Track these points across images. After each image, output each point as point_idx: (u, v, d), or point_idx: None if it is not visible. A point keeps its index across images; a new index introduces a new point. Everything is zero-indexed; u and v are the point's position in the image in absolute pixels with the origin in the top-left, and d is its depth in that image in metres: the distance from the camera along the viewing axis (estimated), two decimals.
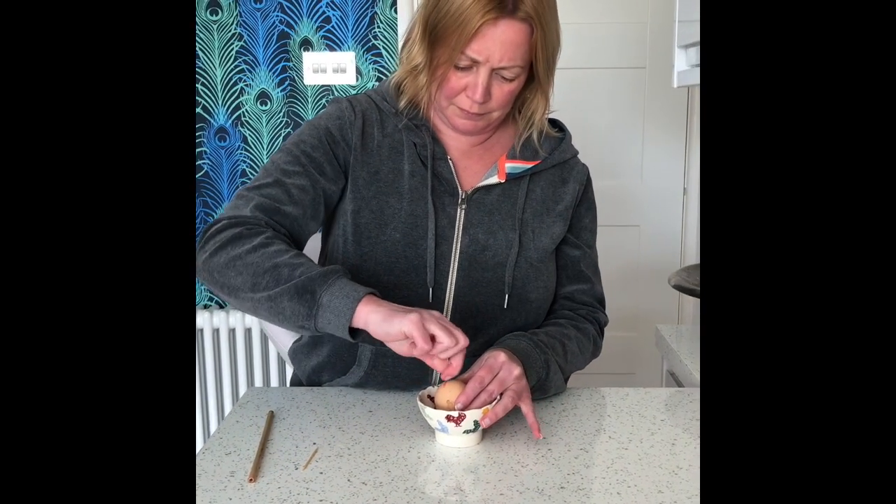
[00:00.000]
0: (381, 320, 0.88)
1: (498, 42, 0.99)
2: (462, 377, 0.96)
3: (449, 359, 0.90)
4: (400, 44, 2.22)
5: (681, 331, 1.50)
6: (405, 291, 1.06)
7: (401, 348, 0.89)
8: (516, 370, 0.95)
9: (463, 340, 0.89)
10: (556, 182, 1.16)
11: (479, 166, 1.14)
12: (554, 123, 1.19)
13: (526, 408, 0.94)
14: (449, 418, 0.90)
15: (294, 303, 0.92)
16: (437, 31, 1.00)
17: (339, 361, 1.13)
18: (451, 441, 0.93)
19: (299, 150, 1.09)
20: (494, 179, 1.11)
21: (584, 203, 1.19)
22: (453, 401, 0.91)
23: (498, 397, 0.93)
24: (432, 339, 0.87)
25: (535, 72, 1.06)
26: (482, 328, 1.09)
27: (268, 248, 0.96)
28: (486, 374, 0.94)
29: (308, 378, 1.19)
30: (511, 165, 1.11)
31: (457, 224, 1.10)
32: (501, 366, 0.95)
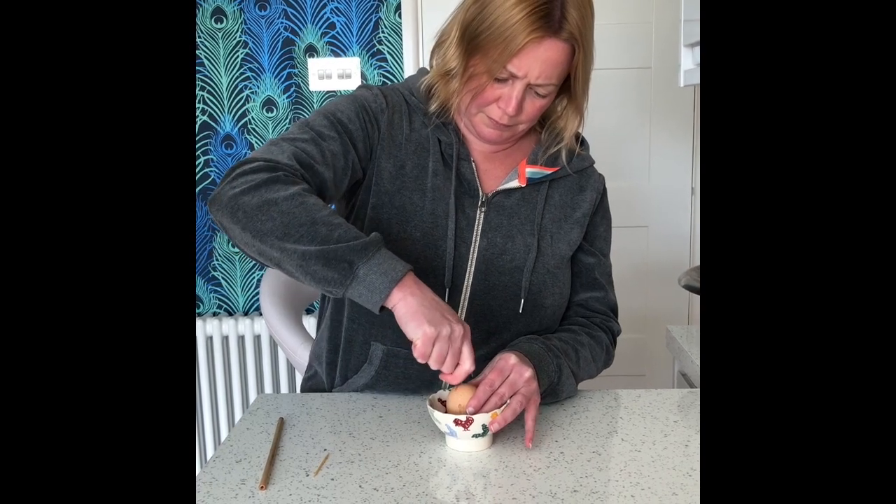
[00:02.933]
0: (404, 314, 0.88)
1: (539, 60, 0.98)
2: (473, 381, 0.95)
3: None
4: (404, 46, 2.23)
5: (691, 331, 1.49)
6: None
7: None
8: (527, 372, 0.94)
9: (460, 369, 0.90)
10: (575, 189, 1.16)
11: (500, 170, 1.14)
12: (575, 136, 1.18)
13: (529, 414, 0.93)
14: (457, 422, 0.90)
15: (327, 269, 0.88)
16: (477, 41, 0.99)
17: (353, 360, 1.13)
18: (461, 445, 0.92)
19: (336, 117, 1.06)
20: (515, 183, 1.11)
21: (600, 212, 1.19)
22: (464, 405, 0.91)
23: (508, 401, 0.92)
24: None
25: (573, 90, 1.06)
26: (496, 332, 1.09)
27: (306, 200, 0.92)
28: (497, 377, 0.93)
29: (327, 374, 1.18)
30: (531, 170, 1.11)
31: (475, 226, 1.09)
32: (512, 368, 0.94)
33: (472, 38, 1.00)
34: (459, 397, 0.92)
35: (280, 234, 0.90)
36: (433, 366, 0.88)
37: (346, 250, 0.88)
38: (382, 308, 0.89)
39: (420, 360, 0.88)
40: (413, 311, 0.87)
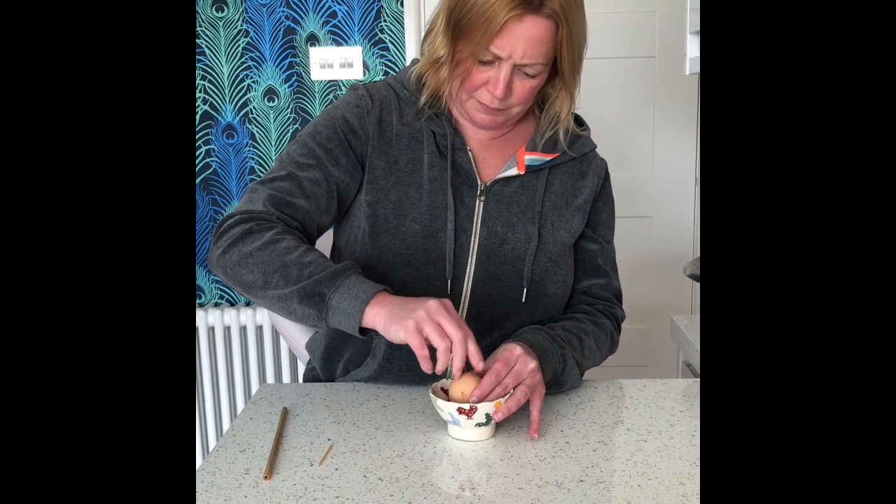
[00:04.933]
0: (383, 326, 0.89)
1: (522, 38, 0.97)
2: (477, 371, 0.94)
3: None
4: (407, 35, 2.21)
5: (695, 321, 1.48)
6: (423, 284, 1.05)
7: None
8: (531, 364, 0.94)
9: (458, 336, 0.86)
10: (575, 175, 1.14)
11: (498, 158, 1.13)
12: (576, 119, 1.17)
13: (533, 405, 0.93)
14: (461, 411, 0.89)
15: (304, 306, 0.92)
16: (461, 25, 0.99)
17: (354, 353, 1.12)
18: (463, 434, 0.91)
19: (314, 141, 1.07)
20: (514, 171, 1.10)
21: (602, 198, 1.17)
22: (467, 393, 0.90)
23: (512, 391, 0.91)
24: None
25: (560, 70, 1.05)
26: (499, 322, 1.08)
27: (277, 246, 0.96)
28: (502, 368, 0.93)
29: (323, 368, 1.18)
30: (530, 157, 1.10)
31: (475, 216, 1.09)
32: (517, 359, 0.94)
33: (457, 24, 0.99)
34: (462, 386, 0.91)
35: (260, 284, 0.95)
36: (439, 348, 0.86)
37: (316, 284, 0.92)
38: (365, 331, 0.91)
39: (420, 354, 0.87)
40: (388, 319, 0.88)
